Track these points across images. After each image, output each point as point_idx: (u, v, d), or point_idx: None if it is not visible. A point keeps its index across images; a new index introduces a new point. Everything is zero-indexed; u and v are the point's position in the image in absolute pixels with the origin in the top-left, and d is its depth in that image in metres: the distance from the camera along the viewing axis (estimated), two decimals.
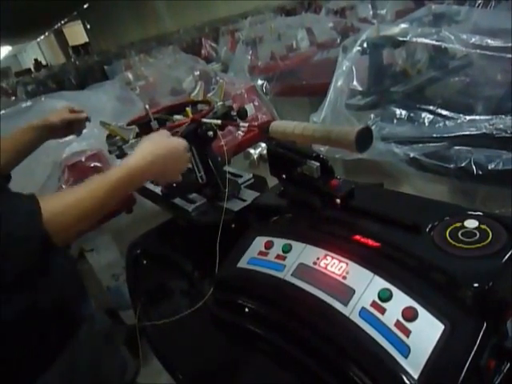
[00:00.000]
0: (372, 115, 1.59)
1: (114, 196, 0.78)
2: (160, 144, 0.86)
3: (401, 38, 1.58)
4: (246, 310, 0.83)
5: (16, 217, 0.68)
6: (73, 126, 1.22)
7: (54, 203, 0.71)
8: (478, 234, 0.67)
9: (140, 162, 0.81)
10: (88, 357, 0.94)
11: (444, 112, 1.45)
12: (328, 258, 0.75)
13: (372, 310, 0.65)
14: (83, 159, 1.74)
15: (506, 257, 0.62)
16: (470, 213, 0.72)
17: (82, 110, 1.23)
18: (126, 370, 1.08)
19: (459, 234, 0.68)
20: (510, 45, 1.31)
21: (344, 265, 0.72)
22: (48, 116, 1.19)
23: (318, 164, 0.84)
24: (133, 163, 0.81)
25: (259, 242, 0.87)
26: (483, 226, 0.68)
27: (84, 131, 1.29)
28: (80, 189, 0.76)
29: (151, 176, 0.88)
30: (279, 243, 0.83)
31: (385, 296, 0.65)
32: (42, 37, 22.25)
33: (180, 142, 0.89)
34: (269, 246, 0.84)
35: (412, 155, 1.35)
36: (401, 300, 0.64)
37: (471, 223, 0.69)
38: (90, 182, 0.77)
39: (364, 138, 0.70)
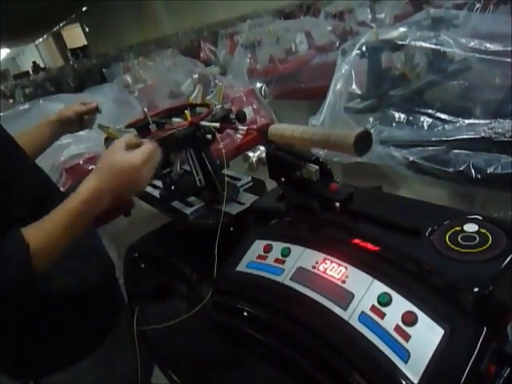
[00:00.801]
0: (371, 119, 1.59)
1: (84, 220, 0.81)
2: (113, 165, 0.83)
3: (400, 42, 1.59)
4: (245, 313, 0.82)
5: (8, 264, 0.74)
6: (85, 119, 1.22)
7: (37, 242, 0.76)
8: (477, 238, 0.67)
9: (98, 180, 0.82)
10: (124, 347, 1.06)
11: (443, 116, 1.46)
12: (327, 261, 0.74)
13: (371, 314, 0.65)
14: (81, 162, 1.74)
15: (506, 261, 0.62)
16: (469, 217, 0.72)
17: (92, 101, 1.23)
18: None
19: (459, 238, 0.68)
20: (508, 49, 1.31)
21: (343, 269, 0.72)
22: (62, 111, 1.20)
23: (317, 167, 0.84)
24: (92, 182, 0.82)
25: (258, 246, 0.86)
26: (483, 230, 0.68)
27: (81, 133, 1.29)
28: (55, 219, 0.79)
29: (110, 198, 0.84)
30: (278, 247, 0.83)
31: (384, 300, 0.65)
32: (41, 39, 22.27)
33: (134, 158, 0.83)
34: (268, 249, 0.84)
35: (411, 159, 1.35)
36: (400, 304, 0.64)
37: (471, 227, 0.69)
38: (61, 212, 0.80)
39: (363, 142, 0.69)
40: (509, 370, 0.60)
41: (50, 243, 0.77)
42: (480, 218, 0.71)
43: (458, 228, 0.70)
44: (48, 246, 0.77)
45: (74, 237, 0.81)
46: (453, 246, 0.67)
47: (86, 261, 1.03)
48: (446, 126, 1.41)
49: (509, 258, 0.62)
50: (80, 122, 1.22)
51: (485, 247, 0.65)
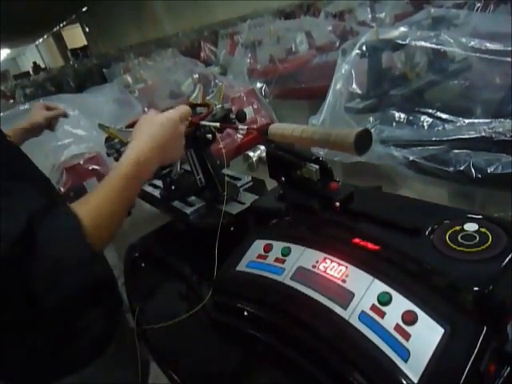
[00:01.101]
0: (371, 118, 1.59)
1: (133, 187, 0.77)
2: (152, 122, 0.85)
3: (400, 42, 1.59)
4: (245, 313, 0.82)
5: (65, 242, 0.66)
6: (51, 123, 1.27)
7: (91, 216, 0.70)
8: (477, 238, 0.67)
9: (144, 144, 0.80)
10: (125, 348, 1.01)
11: (443, 115, 1.46)
12: (327, 261, 0.74)
13: (371, 313, 0.65)
14: (81, 162, 1.74)
15: (506, 260, 0.62)
16: (469, 216, 0.72)
17: (55, 105, 1.29)
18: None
19: (459, 237, 0.68)
20: (509, 48, 1.31)
21: (343, 268, 0.72)
22: (32, 117, 1.23)
23: (317, 167, 0.84)
24: (134, 152, 0.79)
25: (258, 245, 0.86)
26: (483, 230, 0.68)
27: (82, 133, 1.30)
28: (103, 191, 0.74)
29: (156, 156, 0.82)
30: (278, 246, 0.83)
31: (384, 299, 0.65)
32: (41, 40, 22.28)
33: (170, 114, 0.86)
34: (268, 249, 0.84)
35: (411, 158, 1.35)
36: (400, 303, 0.64)
37: (471, 226, 0.69)
38: (108, 182, 0.75)
39: (363, 141, 0.70)
40: (509, 369, 0.60)
41: (102, 218, 0.71)
42: (480, 217, 0.72)
43: (458, 227, 0.70)
44: (101, 222, 0.71)
45: (125, 208, 0.77)
46: (453, 246, 0.67)
47: None
48: (446, 126, 1.42)
49: (509, 257, 0.63)
50: (48, 126, 1.26)
51: (485, 246, 0.65)
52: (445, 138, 1.36)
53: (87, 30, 17.05)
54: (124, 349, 1.04)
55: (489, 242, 0.66)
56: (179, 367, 0.95)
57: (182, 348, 0.98)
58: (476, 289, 0.60)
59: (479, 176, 1.22)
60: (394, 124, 1.54)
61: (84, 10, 14.39)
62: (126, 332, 1.09)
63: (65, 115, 1.28)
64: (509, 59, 1.30)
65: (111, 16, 13.20)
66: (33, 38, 20.93)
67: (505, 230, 0.67)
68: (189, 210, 1.12)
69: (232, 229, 1.04)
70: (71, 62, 13.26)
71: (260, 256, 0.84)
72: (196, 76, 2.76)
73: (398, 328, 0.62)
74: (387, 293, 0.65)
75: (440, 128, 1.42)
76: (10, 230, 0.61)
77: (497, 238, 0.66)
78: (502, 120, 1.28)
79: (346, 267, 0.72)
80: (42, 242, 0.63)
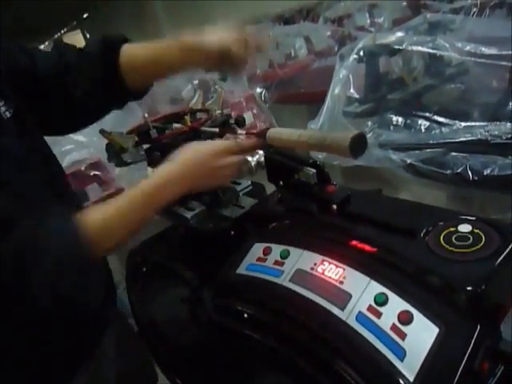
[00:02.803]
0: (369, 122, 1.60)
1: (151, 206, 0.76)
2: (197, 150, 0.83)
3: (397, 47, 1.60)
4: (245, 315, 0.83)
5: (61, 242, 0.66)
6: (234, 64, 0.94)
7: (98, 222, 0.70)
8: (471, 238, 0.68)
9: (175, 168, 0.79)
10: (114, 362, 0.93)
11: (440, 119, 1.47)
12: (325, 263, 0.76)
13: (368, 314, 0.66)
14: (83, 168, 1.75)
15: (499, 260, 0.64)
16: (463, 217, 0.74)
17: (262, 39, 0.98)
18: (150, 377, 1.09)
19: (453, 238, 0.70)
20: (504, 52, 1.33)
21: (341, 270, 0.73)
22: (207, 38, 0.90)
23: (314, 170, 0.85)
24: (167, 169, 0.79)
25: (258, 249, 0.88)
26: (476, 231, 0.69)
27: (83, 139, 1.30)
28: (118, 204, 0.74)
29: (189, 182, 0.81)
30: (277, 249, 0.84)
31: (381, 300, 0.66)
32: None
33: (216, 144, 0.84)
34: (267, 252, 0.85)
35: (409, 161, 1.36)
36: (396, 304, 0.65)
37: (465, 228, 0.71)
38: (126, 196, 0.75)
39: (358, 144, 0.71)
40: (502, 367, 0.62)
41: (109, 229, 0.71)
42: (473, 218, 0.73)
43: (452, 228, 0.72)
44: (107, 232, 0.71)
45: (137, 225, 0.75)
46: (447, 246, 0.69)
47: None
48: (443, 129, 1.42)
49: (501, 257, 0.64)
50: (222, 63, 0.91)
51: (478, 247, 0.67)
52: (442, 141, 1.37)
53: (88, 36, 17.10)
54: (126, 349, 1.03)
55: (482, 243, 0.67)
56: (180, 369, 0.97)
57: (183, 350, 0.99)
58: (470, 288, 0.62)
59: (476, 178, 1.23)
60: (392, 128, 1.55)
61: (85, 16, 14.44)
62: (131, 338, 1.08)
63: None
64: (504, 63, 1.32)
65: (112, 22, 13.22)
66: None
67: (497, 231, 0.68)
68: (189, 215, 1.13)
69: (232, 232, 1.05)
70: None
71: (259, 259, 0.85)
72: (196, 82, 2.76)
73: (394, 328, 0.63)
74: (383, 293, 0.67)
75: (437, 131, 1.43)
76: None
77: (490, 239, 0.67)
78: (498, 123, 1.29)
79: (344, 269, 0.73)
80: (41, 240, 0.64)
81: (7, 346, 0.74)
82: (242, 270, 0.87)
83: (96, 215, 0.71)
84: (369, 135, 1.51)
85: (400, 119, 1.54)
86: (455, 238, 0.69)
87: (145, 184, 0.76)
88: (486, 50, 1.38)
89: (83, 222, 0.68)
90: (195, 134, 1.03)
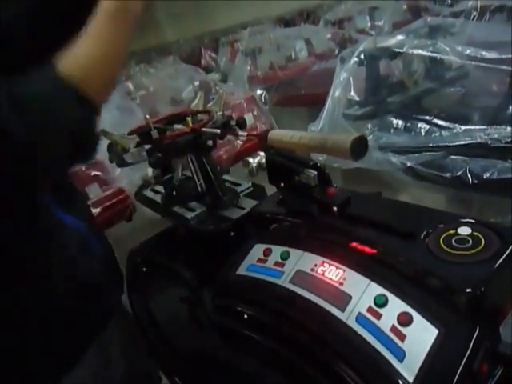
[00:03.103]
0: (369, 125, 1.61)
1: (118, 30, 0.70)
2: None
3: (397, 50, 1.60)
4: (245, 316, 0.84)
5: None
6: None
7: (78, 61, 0.64)
8: (470, 241, 0.69)
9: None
10: (120, 353, 0.93)
11: (440, 122, 1.47)
12: (325, 264, 0.76)
13: (368, 315, 0.66)
14: (83, 168, 1.75)
15: (498, 262, 0.64)
16: (463, 220, 0.74)
17: None
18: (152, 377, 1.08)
19: (453, 240, 0.70)
20: (504, 56, 1.33)
21: (341, 271, 0.74)
22: None
23: (315, 172, 0.86)
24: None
25: (258, 250, 0.88)
26: (476, 233, 0.70)
27: None
28: (88, 40, 0.66)
29: None
30: (277, 250, 0.84)
31: (380, 302, 0.67)
32: None
33: None
34: (267, 253, 0.86)
35: (409, 164, 1.37)
36: (396, 305, 0.66)
37: (464, 230, 0.71)
38: (90, 32, 0.67)
39: (359, 147, 0.72)
40: (501, 369, 0.62)
41: (90, 69, 0.65)
42: (473, 221, 0.73)
43: (452, 231, 0.72)
44: (91, 73, 0.65)
45: (117, 52, 0.70)
46: (447, 249, 0.69)
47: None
48: (443, 132, 1.43)
49: (501, 260, 0.64)
50: None
51: (478, 249, 0.67)
52: (442, 145, 1.37)
53: None
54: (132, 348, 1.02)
55: (481, 246, 0.67)
56: (181, 370, 0.97)
57: (183, 351, 0.99)
58: (469, 290, 0.62)
59: (476, 182, 1.23)
60: (392, 130, 1.55)
61: None
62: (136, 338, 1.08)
63: None
64: (504, 67, 1.32)
65: None
66: None
67: (497, 234, 0.69)
68: (189, 215, 1.13)
69: (232, 233, 1.05)
70: None
71: (260, 260, 0.86)
72: (197, 83, 2.77)
73: (393, 329, 0.63)
74: (383, 295, 0.67)
75: (437, 134, 1.44)
76: None
77: (489, 242, 0.68)
78: (498, 127, 1.30)
79: (344, 270, 0.74)
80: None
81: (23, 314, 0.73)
82: (242, 270, 0.87)
83: (68, 53, 0.65)
84: (369, 138, 1.52)
85: (400, 122, 1.55)
86: (455, 241, 0.70)
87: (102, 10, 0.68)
88: (486, 54, 1.38)
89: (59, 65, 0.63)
90: (196, 135, 1.03)
